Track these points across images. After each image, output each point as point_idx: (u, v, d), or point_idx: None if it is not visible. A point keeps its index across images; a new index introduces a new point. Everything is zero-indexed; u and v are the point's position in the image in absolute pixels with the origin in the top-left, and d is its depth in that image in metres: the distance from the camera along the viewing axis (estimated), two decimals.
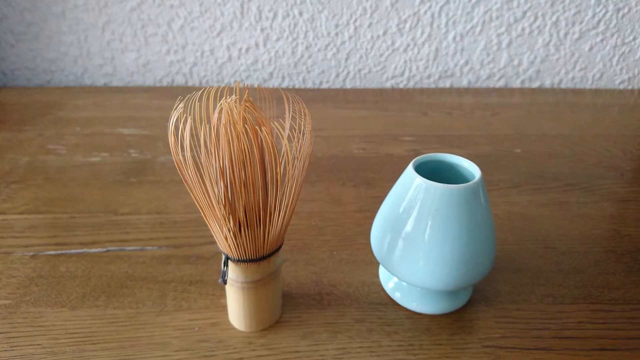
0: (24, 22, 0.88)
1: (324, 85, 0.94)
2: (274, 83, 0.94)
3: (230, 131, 0.28)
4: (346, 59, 0.91)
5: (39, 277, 0.43)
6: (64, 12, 0.87)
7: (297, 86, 0.94)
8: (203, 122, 0.28)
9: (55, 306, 0.40)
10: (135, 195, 0.55)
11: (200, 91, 0.30)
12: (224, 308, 0.40)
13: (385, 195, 0.40)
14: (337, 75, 0.92)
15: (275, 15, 0.86)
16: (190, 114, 0.28)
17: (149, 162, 0.62)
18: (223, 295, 0.41)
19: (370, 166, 0.63)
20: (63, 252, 0.46)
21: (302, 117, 0.31)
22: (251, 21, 0.87)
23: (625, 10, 0.86)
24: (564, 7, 0.86)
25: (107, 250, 0.46)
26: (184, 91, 0.91)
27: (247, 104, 0.29)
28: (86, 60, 0.92)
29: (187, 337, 0.37)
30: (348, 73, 0.92)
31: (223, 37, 0.89)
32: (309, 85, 0.94)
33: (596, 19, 0.87)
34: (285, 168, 0.31)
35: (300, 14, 0.86)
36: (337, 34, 0.88)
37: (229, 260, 0.34)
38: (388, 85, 0.94)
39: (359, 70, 0.92)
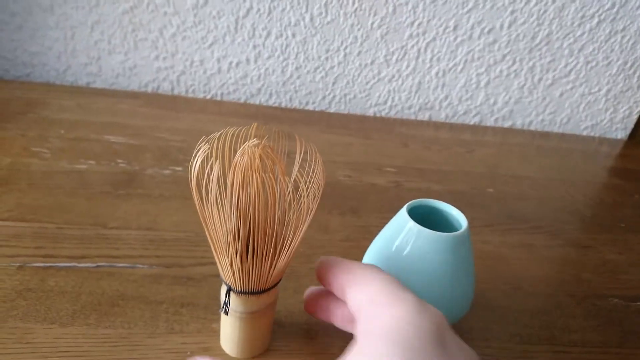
0: (8, 11, 0.85)
1: (310, 106, 0.96)
2: (261, 99, 0.95)
3: (252, 176, 0.29)
4: (333, 83, 0.93)
5: (26, 290, 0.42)
6: (52, 6, 0.85)
7: (283, 104, 0.95)
8: (221, 163, 0.30)
9: (45, 322, 0.39)
10: (123, 208, 0.55)
11: (220, 132, 0.32)
12: (215, 333, 0.41)
13: (370, 226, 0.43)
14: (324, 98, 0.95)
15: (268, 34, 0.88)
16: (211, 154, 0.30)
17: (137, 174, 0.62)
18: (214, 320, 0.42)
19: (355, 194, 0.65)
20: (51, 264, 0.46)
21: (313, 161, 0.33)
22: (244, 37, 0.88)
23: (594, 63, 0.93)
24: (540, 55, 0.92)
25: (98, 266, 0.46)
26: (170, 99, 0.91)
27: (268, 150, 0.31)
28: (70, 58, 0.90)
29: None
30: (334, 97, 0.95)
31: (214, 50, 0.89)
32: (296, 104, 0.95)
33: (568, 68, 0.94)
34: (296, 205, 0.33)
35: (294, 35, 0.88)
36: (327, 59, 0.91)
37: (230, 292, 0.35)
38: (371, 112, 0.97)
39: (345, 95, 0.95)
